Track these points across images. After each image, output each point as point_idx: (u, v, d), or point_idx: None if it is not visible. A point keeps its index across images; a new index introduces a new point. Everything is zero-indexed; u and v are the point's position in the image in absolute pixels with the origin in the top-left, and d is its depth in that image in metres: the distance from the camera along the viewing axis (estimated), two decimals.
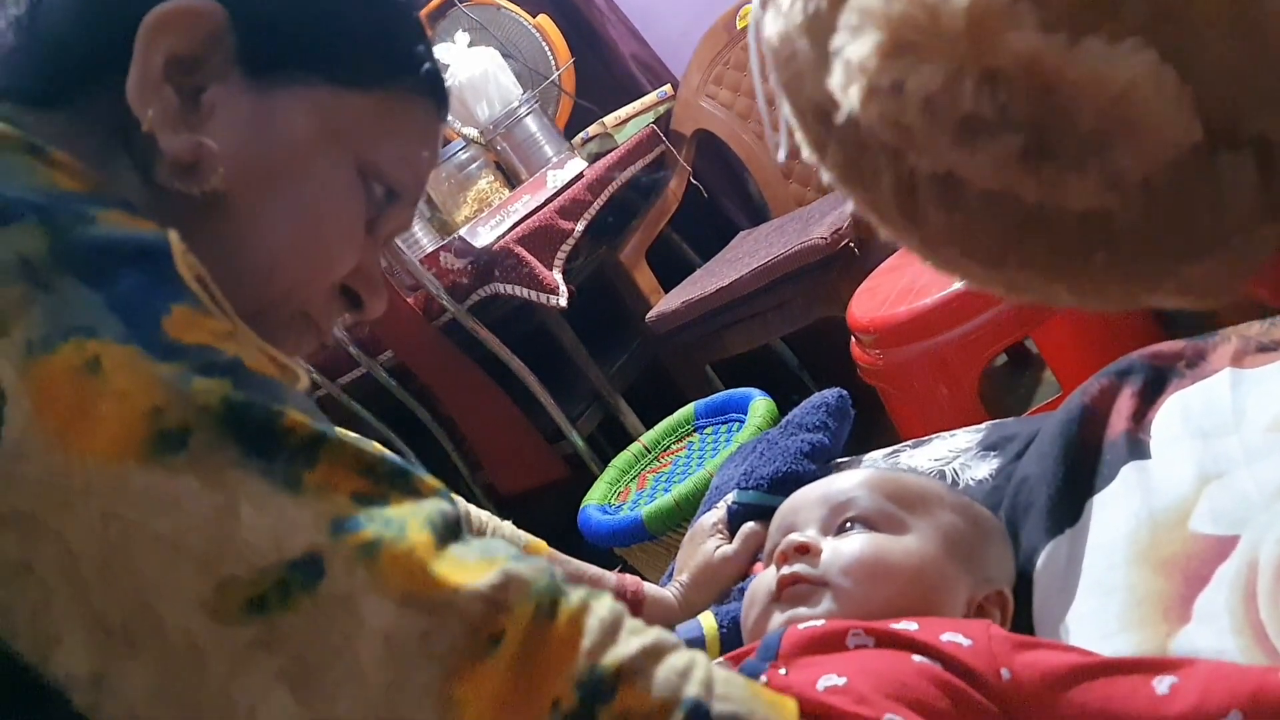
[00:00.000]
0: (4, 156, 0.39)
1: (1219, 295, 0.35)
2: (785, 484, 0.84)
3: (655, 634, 0.38)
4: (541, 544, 0.83)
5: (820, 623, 0.57)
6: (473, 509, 0.83)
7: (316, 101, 0.50)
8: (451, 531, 0.37)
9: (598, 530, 1.54)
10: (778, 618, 0.61)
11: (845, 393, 0.98)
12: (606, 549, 1.56)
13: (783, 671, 0.52)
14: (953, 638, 0.53)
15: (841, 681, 0.49)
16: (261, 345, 0.41)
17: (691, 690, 0.37)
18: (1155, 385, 0.73)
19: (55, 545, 0.33)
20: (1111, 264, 0.33)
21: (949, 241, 0.35)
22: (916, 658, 0.52)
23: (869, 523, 0.64)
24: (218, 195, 0.48)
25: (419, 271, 1.80)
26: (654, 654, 0.37)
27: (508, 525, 0.84)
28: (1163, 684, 0.47)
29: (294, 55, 0.50)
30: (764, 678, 0.52)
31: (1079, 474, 0.68)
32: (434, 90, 0.55)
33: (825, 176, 0.37)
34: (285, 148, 0.49)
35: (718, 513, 0.89)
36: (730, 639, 0.72)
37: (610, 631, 0.37)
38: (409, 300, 1.88)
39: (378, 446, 0.40)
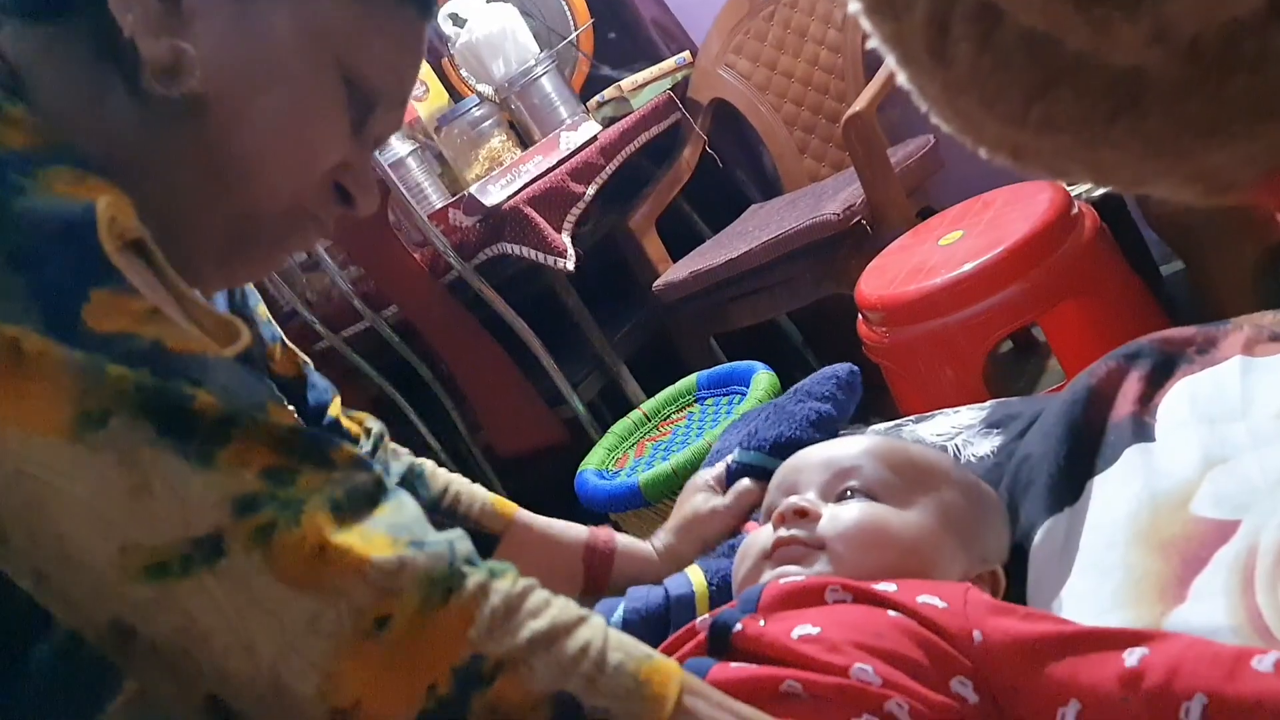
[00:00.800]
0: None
1: (1228, 191, 0.33)
2: (787, 449, 0.82)
3: (551, 617, 0.39)
4: (510, 506, 0.82)
5: (801, 578, 0.57)
6: (439, 471, 0.81)
7: (297, 5, 0.51)
8: (360, 506, 0.39)
9: (594, 495, 1.55)
10: (768, 574, 0.61)
11: (856, 369, 0.97)
12: (602, 514, 1.56)
13: (761, 622, 0.52)
14: (929, 599, 0.53)
15: (815, 631, 0.50)
16: (196, 308, 0.42)
17: (570, 684, 0.38)
18: (1163, 370, 0.73)
19: None
20: (1132, 133, 0.31)
21: (972, 87, 0.33)
22: (892, 613, 0.52)
23: (870, 492, 0.63)
24: (199, 98, 0.49)
25: (427, 228, 1.79)
26: (544, 641, 0.38)
27: (468, 484, 0.82)
28: (1132, 656, 0.47)
29: None
30: (740, 625, 0.52)
31: (1081, 454, 0.68)
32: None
33: (853, 5, 0.35)
34: (266, 50, 0.50)
35: (715, 470, 0.89)
36: (720, 596, 0.72)
37: (502, 618, 0.38)
38: (415, 256, 1.87)
39: (294, 419, 0.41)
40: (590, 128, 1.95)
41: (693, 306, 1.96)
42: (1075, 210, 1.39)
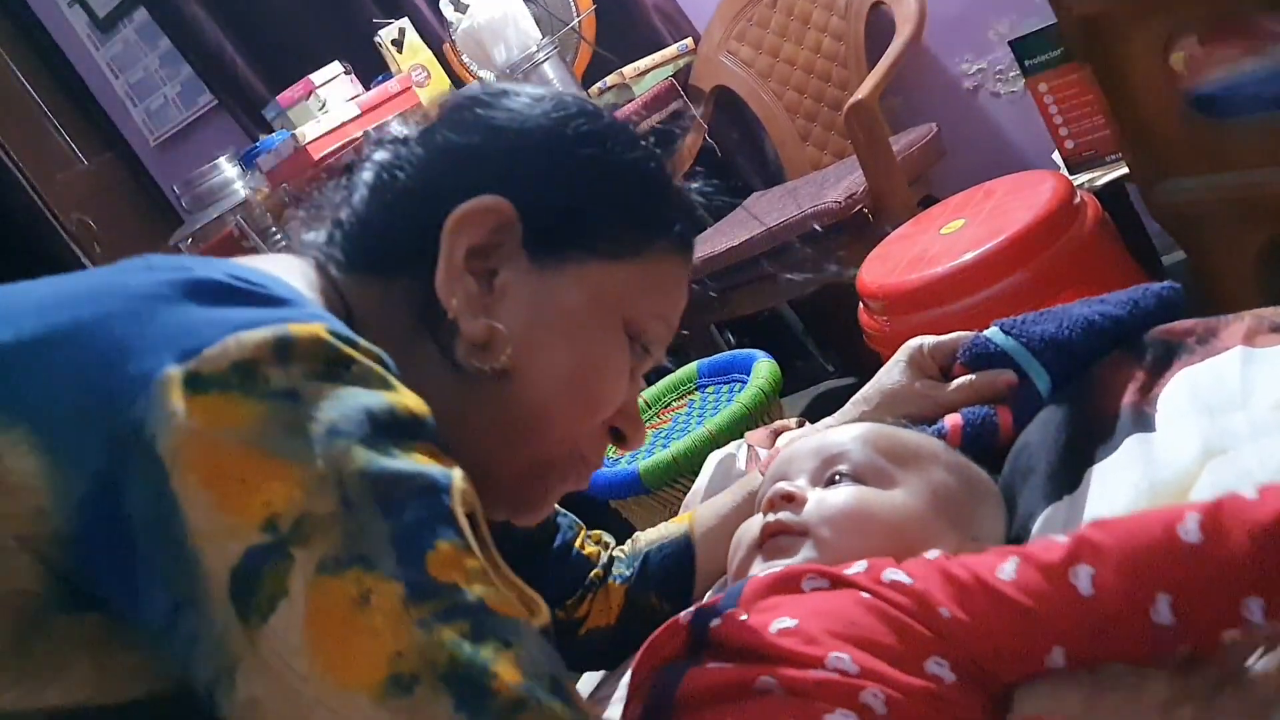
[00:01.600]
0: (379, 390, 0.45)
1: None
2: (1050, 349, 0.75)
3: None
4: (684, 517, 0.85)
5: (778, 567, 0.58)
6: (639, 539, 0.85)
7: (588, 276, 0.57)
8: None
9: (595, 481, 1.55)
10: (757, 567, 0.61)
11: (1180, 287, 0.80)
12: (602, 500, 1.57)
13: (743, 616, 0.53)
14: (895, 575, 0.54)
15: (793, 624, 0.51)
16: (507, 579, 0.46)
17: None
18: (1164, 360, 0.73)
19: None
20: None
21: None
22: (865, 595, 0.53)
23: (857, 476, 0.64)
24: (506, 371, 0.55)
25: None
26: None
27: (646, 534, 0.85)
28: (1081, 580, 0.48)
29: (570, 238, 0.57)
30: (717, 621, 0.52)
31: (1081, 442, 0.68)
32: (684, 248, 0.62)
33: None
34: (563, 319, 0.57)
35: (942, 340, 0.81)
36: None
37: None
38: None
39: (580, 705, 0.44)
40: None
41: (693, 294, 1.96)
42: (1078, 200, 1.39)
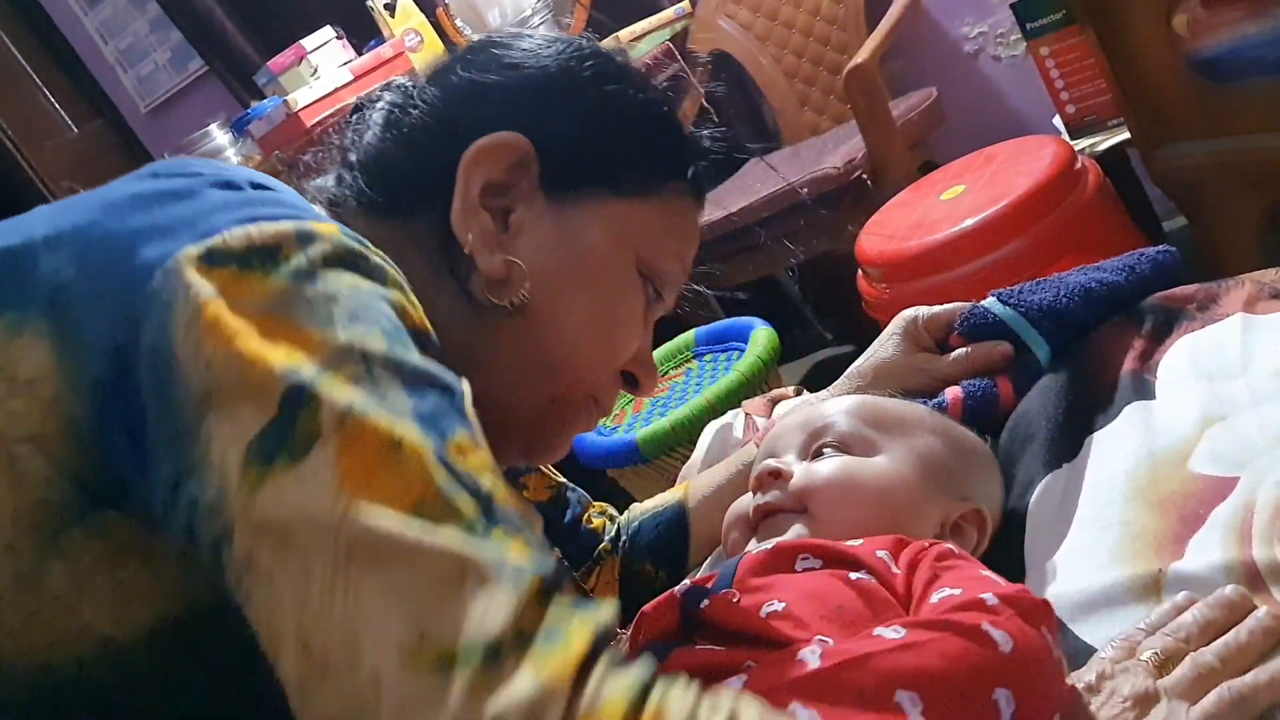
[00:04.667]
0: (392, 292, 0.45)
1: None
2: (1048, 317, 0.74)
3: (728, 709, 0.40)
4: (679, 488, 0.85)
5: (770, 544, 0.58)
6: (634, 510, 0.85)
7: (605, 214, 0.58)
8: (599, 651, 0.41)
9: (592, 451, 1.55)
10: (753, 544, 0.61)
11: (1174, 250, 0.80)
12: (600, 470, 1.57)
13: (735, 598, 0.53)
14: (886, 555, 0.54)
15: (782, 606, 0.51)
16: (509, 488, 0.45)
17: None
18: (1164, 327, 0.72)
19: (297, 563, 0.38)
20: None
21: None
22: (855, 575, 0.53)
23: (843, 446, 0.64)
24: (523, 305, 0.55)
25: None
26: None
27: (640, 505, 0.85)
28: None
29: (587, 176, 0.57)
30: (708, 601, 0.53)
31: (1081, 410, 0.68)
32: (696, 190, 0.62)
33: None
34: (580, 257, 0.57)
35: (935, 311, 0.80)
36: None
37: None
38: None
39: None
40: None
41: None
42: (1079, 165, 1.38)
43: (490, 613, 0.38)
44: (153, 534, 0.42)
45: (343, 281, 0.43)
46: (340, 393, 0.40)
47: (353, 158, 0.59)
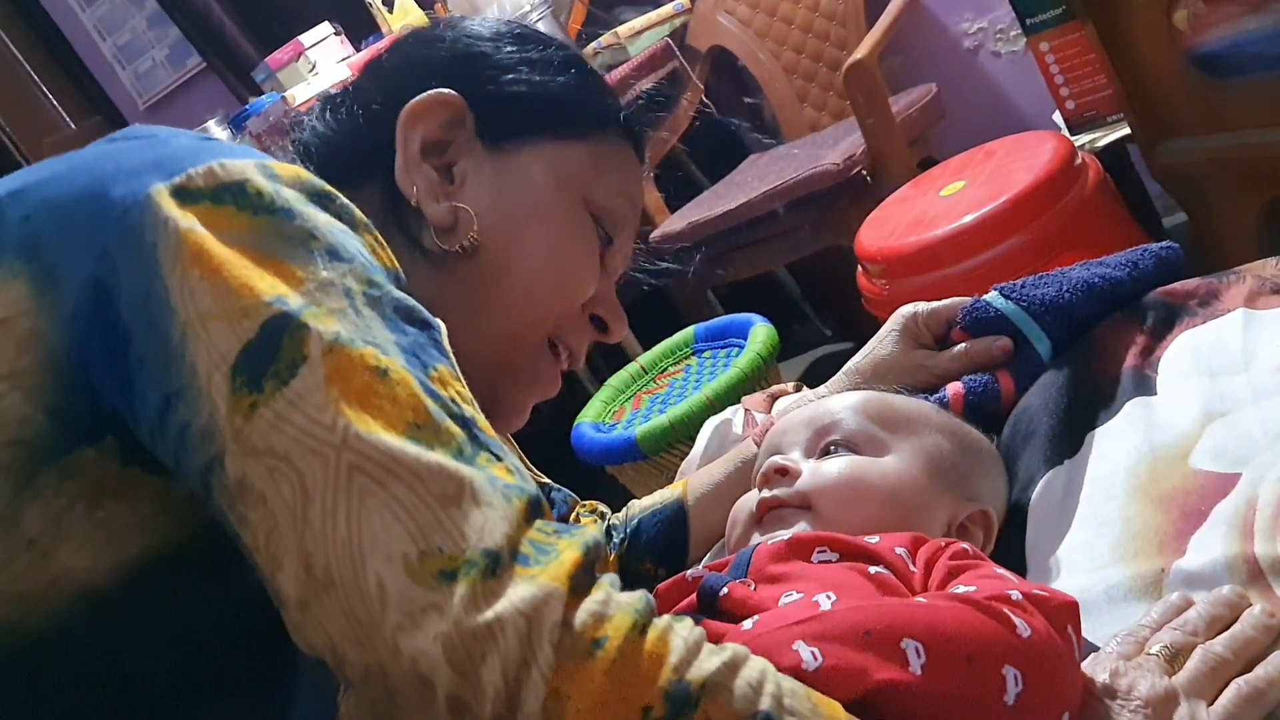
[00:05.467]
0: (361, 235, 0.47)
1: None
2: (1050, 313, 0.74)
3: (731, 650, 0.42)
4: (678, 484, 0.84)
5: (788, 535, 0.57)
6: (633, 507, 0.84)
7: (545, 155, 0.61)
8: (590, 567, 0.42)
9: (591, 447, 1.55)
10: (756, 539, 0.61)
11: (1177, 246, 0.79)
12: (599, 466, 1.57)
13: (751, 586, 0.53)
14: (904, 552, 0.54)
15: (799, 596, 0.51)
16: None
17: (764, 704, 0.40)
18: (1165, 322, 0.72)
19: (295, 484, 0.39)
20: None
21: None
22: (874, 569, 0.52)
23: (851, 445, 0.63)
24: (475, 247, 0.59)
25: None
26: (731, 667, 0.41)
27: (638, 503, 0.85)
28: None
29: (522, 123, 0.61)
30: (725, 590, 0.52)
31: (1082, 406, 0.68)
32: (631, 136, 0.66)
33: None
34: (526, 197, 0.60)
35: (932, 307, 0.79)
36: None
37: (693, 650, 0.41)
38: None
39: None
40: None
41: (690, 258, 1.95)
42: (1079, 161, 1.37)
43: (488, 527, 0.39)
44: (129, 470, 0.43)
45: (319, 219, 0.44)
46: (325, 323, 0.41)
47: (303, 140, 0.63)
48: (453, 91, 0.59)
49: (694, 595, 0.55)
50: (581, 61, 0.65)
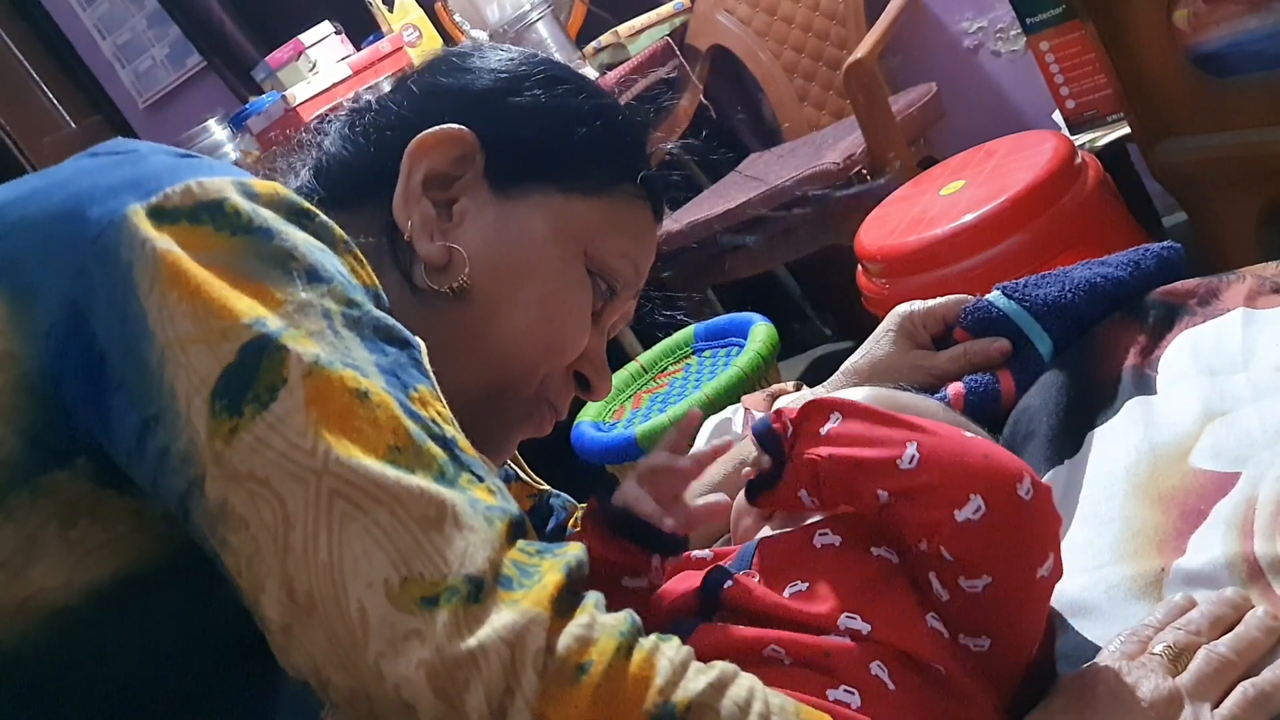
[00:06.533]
0: (340, 254, 0.47)
1: None
2: (1052, 313, 0.74)
3: (719, 669, 0.42)
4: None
5: (789, 527, 0.57)
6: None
7: (550, 207, 0.59)
8: (574, 588, 0.42)
9: (590, 447, 1.55)
10: (765, 531, 0.61)
11: (1179, 246, 0.79)
12: (599, 466, 1.57)
13: (756, 578, 0.53)
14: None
15: (805, 586, 0.51)
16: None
17: None
18: (1165, 322, 0.72)
19: (274, 510, 0.39)
20: None
21: None
22: (874, 550, 0.52)
23: None
24: (465, 291, 0.57)
25: None
26: (719, 688, 0.41)
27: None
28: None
29: (533, 170, 0.59)
30: (731, 583, 0.52)
31: (1082, 405, 0.68)
32: (650, 195, 0.63)
33: None
34: (524, 248, 0.58)
35: (930, 305, 0.80)
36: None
37: (680, 671, 0.41)
38: None
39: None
40: (587, 74, 1.92)
41: (690, 257, 1.95)
42: (1079, 160, 1.37)
43: (470, 551, 0.40)
44: (103, 490, 0.43)
45: (297, 238, 0.44)
46: (304, 346, 0.41)
47: (314, 155, 0.61)
48: (466, 129, 0.58)
49: (697, 589, 0.55)
50: (612, 113, 0.62)
